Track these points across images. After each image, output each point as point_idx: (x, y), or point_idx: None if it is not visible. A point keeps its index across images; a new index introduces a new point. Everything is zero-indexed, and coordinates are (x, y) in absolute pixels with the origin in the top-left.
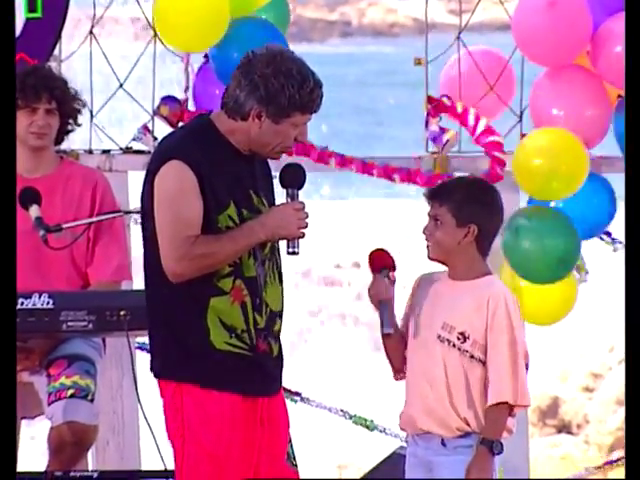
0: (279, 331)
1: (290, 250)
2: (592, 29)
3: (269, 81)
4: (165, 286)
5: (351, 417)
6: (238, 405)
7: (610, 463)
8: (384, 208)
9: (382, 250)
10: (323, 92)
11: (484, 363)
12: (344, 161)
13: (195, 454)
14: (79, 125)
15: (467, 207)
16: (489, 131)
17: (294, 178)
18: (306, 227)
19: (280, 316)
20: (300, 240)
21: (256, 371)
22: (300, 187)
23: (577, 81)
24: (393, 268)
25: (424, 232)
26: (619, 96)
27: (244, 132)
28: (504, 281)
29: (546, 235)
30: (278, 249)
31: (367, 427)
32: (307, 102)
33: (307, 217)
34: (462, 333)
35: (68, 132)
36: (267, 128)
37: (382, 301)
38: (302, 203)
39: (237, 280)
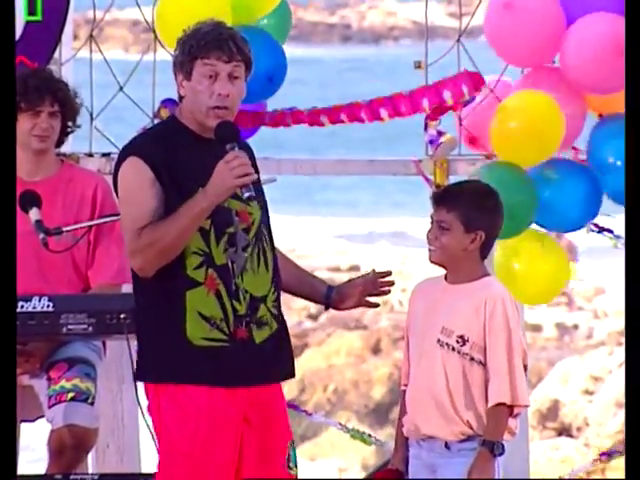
0: (264, 317)
1: (245, 196)
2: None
3: (177, 48)
4: (141, 287)
5: (349, 431)
6: (215, 399)
7: (606, 454)
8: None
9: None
10: (227, 35)
11: (484, 365)
12: (332, 112)
13: (171, 454)
14: (78, 126)
15: (474, 214)
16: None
17: (227, 132)
18: (247, 173)
19: (264, 301)
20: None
21: (232, 361)
22: (236, 139)
23: (551, 81)
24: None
25: (428, 236)
26: (600, 115)
27: (185, 110)
28: (497, 262)
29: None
30: (266, 235)
31: (364, 441)
32: (203, 45)
33: (242, 163)
34: (461, 336)
35: (68, 134)
36: (188, 91)
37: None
38: (233, 153)
39: (209, 269)
